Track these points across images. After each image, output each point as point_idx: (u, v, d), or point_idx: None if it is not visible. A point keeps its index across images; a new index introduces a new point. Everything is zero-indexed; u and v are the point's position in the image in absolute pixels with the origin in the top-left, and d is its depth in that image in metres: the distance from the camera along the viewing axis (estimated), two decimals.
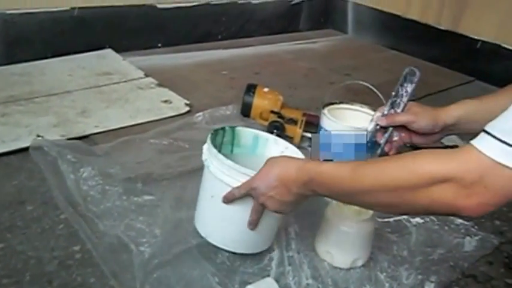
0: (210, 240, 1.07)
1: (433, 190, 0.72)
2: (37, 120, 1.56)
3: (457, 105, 1.12)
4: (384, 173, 0.79)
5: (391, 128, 1.11)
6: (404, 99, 1.10)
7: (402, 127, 1.12)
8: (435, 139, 1.15)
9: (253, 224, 1.01)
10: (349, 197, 0.86)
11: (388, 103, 1.12)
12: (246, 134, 1.16)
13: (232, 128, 1.14)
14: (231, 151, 1.15)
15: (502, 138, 0.67)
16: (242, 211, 1.00)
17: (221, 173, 0.99)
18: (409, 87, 1.09)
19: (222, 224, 1.05)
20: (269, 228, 1.07)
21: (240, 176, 0.97)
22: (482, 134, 0.70)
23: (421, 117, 1.09)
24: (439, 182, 0.71)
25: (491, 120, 0.71)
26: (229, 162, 0.98)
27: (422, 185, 0.73)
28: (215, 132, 1.10)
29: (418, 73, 1.08)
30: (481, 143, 0.69)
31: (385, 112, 1.12)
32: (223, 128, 1.13)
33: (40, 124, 1.54)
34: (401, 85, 1.09)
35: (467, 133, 1.14)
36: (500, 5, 2.38)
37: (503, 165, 0.66)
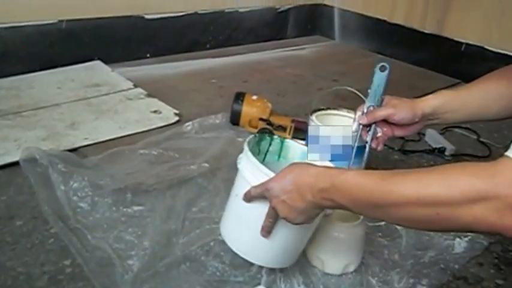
0: (225, 239, 1.04)
1: (474, 208, 0.67)
2: (25, 134, 1.56)
3: (434, 95, 1.14)
4: (421, 184, 0.73)
5: (373, 125, 1.12)
6: (379, 94, 1.11)
7: (383, 121, 1.13)
8: (416, 130, 1.17)
9: (265, 230, 0.95)
10: (377, 209, 0.79)
11: (367, 100, 1.13)
12: (295, 148, 1.13)
13: (282, 140, 1.13)
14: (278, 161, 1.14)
15: None
16: (258, 217, 0.96)
17: (246, 171, 0.97)
18: (383, 82, 1.11)
19: (238, 224, 1.02)
20: (284, 245, 1.02)
21: (262, 176, 0.93)
22: None
23: (400, 108, 1.10)
24: (482, 200, 0.66)
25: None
26: (254, 160, 0.96)
27: (463, 201, 0.68)
28: (261, 137, 1.10)
29: (388, 66, 1.09)
30: None
31: (365, 110, 1.12)
32: (271, 136, 1.12)
33: (29, 138, 1.53)
34: (376, 81, 1.11)
35: (445, 123, 1.17)
36: (482, 8, 2.41)
37: None
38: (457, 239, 1.26)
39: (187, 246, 1.11)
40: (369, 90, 1.12)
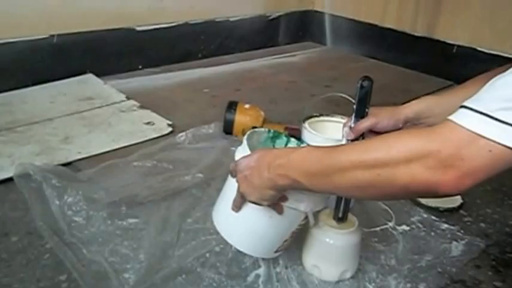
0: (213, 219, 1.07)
1: (412, 167, 0.71)
2: (19, 149, 1.56)
3: (417, 100, 1.14)
4: (363, 149, 0.79)
5: (360, 138, 1.12)
6: (363, 107, 1.12)
7: (370, 132, 1.13)
8: None
9: (235, 205, 0.99)
10: (325, 178, 0.82)
11: (352, 115, 1.13)
12: None
13: (298, 142, 1.14)
14: None
15: (478, 109, 0.67)
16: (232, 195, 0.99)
17: (237, 152, 1.01)
18: (366, 96, 1.11)
19: (219, 202, 1.05)
20: (271, 235, 1.04)
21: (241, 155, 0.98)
22: (459, 109, 0.70)
23: (382, 117, 1.11)
24: (418, 158, 0.70)
25: (450, 114, 0.71)
26: (245, 143, 0.99)
27: (401, 160, 0.72)
28: (277, 134, 1.12)
29: (369, 80, 1.10)
30: (458, 116, 0.70)
31: (352, 125, 1.13)
32: (287, 137, 1.14)
33: (22, 153, 1.53)
34: (359, 95, 1.11)
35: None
36: (472, 9, 2.43)
37: (480, 136, 0.66)
38: (454, 242, 1.26)
39: (183, 258, 1.11)
40: (354, 106, 1.12)
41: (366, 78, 1.08)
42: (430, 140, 0.71)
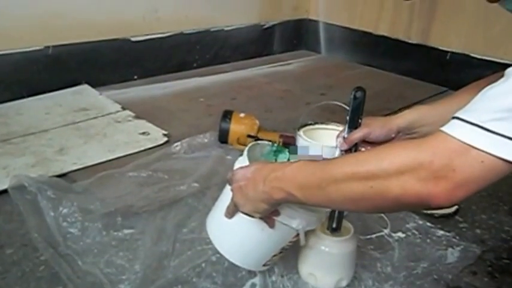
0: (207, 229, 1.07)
1: (403, 179, 0.70)
2: (14, 161, 1.55)
3: (410, 110, 1.14)
4: (356, 161, 0.79)
5: (353, 149, 1.12)
6: (357, 118, 1.12)
7: (364, 142, 1.13)
8: None
9: (228, 212, 0.99)
10: (319, 191, 0.81)
11: (346, 126, 1.14)
12: None
13: (291, 151, 1.14)
14: None
15: (470, 120, 0.67)
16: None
17: (236, 162, 1.01)
18: (359, 106, 1.11)
19: (218, 214, 1.04)
20: (261, 248, 1.03)
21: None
22: (451, 120, 0.70)
23: (374, 127, 1.11)
24: (410, 169, 0.70)
25: (443, 123, 0.71)
26: (245, 154, 0.99)
27: (393, 172, 0.71)
28: (280, 149, 1.12)
29: (362, 91, 1.10)
30: (450, 127, 0.69)
31: (345, 135, 1.13)
32: (290, 151, 1.13)
33: (17, 165, 1.53)
34: (352, 106, 1.11)
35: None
36: (465, 17, 2.45)
37: (472, 147, 0.66)
38: (450, 249, 1.26)
39: (179, 268, 1.11)
40: (347, 117, 1.12)
41: (359, 89, 1.08)
42: (422, 151, 0.70)
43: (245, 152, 1.01)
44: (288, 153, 1.12)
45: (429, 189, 0.69)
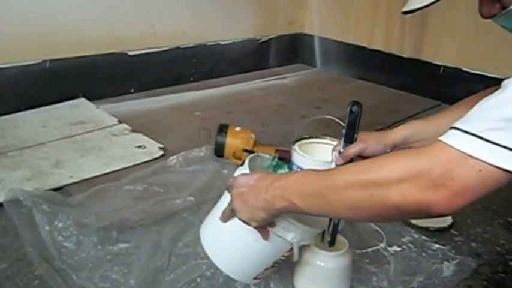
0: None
1: (403, 187, 0.72)
2: (10, 174, 1.55)
3: (404, 125, 1.16)
4: (357, 169, 0.80)
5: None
6: (353, 132, 1.12)
7: (359, 157, 1.14)
8: None
9: (223, 216, 0.99)
10: (320, 198, 0.82)
11: (341, 140, 1.14)
12: None
13: (290, 170, 1.14)
14: None
15: (467, 130, 0.69)
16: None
17: (237, 170, 1.02)
18: (355, 121, 1.11)
19: (213, 221, 1.04)
20: (253, 259, 1.02)
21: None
22: (449, 130, 0.72)
23: (370, 142, 1.12)
24: (410, 178, 0.71)
25: (439, 136, 0.73)
26: (246, 164, 1.00)
27: (393, 180, 0.73)
28: (280, 164, 1.13)
29: (358, 105, 1.10)
30: (448, 137, 0.71)
31: (341, 150, 1.13)
32: (290, 168, 1.15)
33: (13, 178, 1.53)
34: (348, 120, 1.11)
35: None
36: (457, 31, 2.47)
37: (470, 156, 0.67)
38: (445, 262, 1.26)
39: (174, 283, 1.11)
40: (343, 131, 1.12)
41: (355, 103, 1.09)
42: (421, 159, 0.72)
43: (246, 162, 1.01)
44: (287, 169, 1.13)
45: (429, 197, 0.70)
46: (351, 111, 1.09)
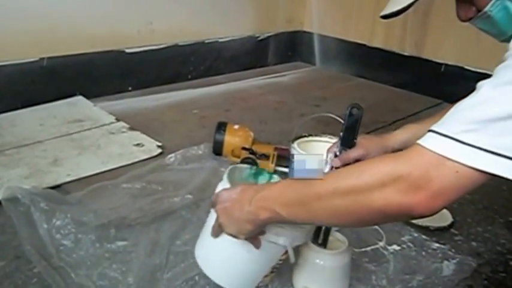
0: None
1: (384, 191, 0.73)
2: (8, 172, 1.54)
3: (402, 130, 1.17)
4: (339, 177, 0.82)
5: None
6: (352, 136, 1.11)
7: (357, 161, 1.13)
8: None
9: (213, 232, 0.98)
10: (303, 207, 0.83)
11: (338, 142, 1.13)
12: None
13: (271, 175, 1.14)
14: None
15: (444, 132, 0.71)
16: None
17: (218, 186, 1.01)
18: (355, 124, 1.10)
19: (204, 240, 1.04)
20: (250, 270, 1.03)
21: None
22: (427, 133, 0.74)
23: (371, 148, 1.12)
24: (390, 182, 0.73)
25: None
26: (225, 179, 1.00)
27: (374, 185, 0.74)
28: (259, 171, 1.12)
29: (359, 109, 1.09)
30: (425, 140, 0.73)
31: (337, 152, 1.12)
32: (270, 173, 1.13)
33: (11, 176, 1.52)
34: (347, 123, 1.10)
35: None
36: (458, 29, 2.44)
37: (446, 158, 0.69)
38: (445, 262, 1.26)
39: (172, 281, 1.10)
40: (340, 133, 1.11)
41: (356, 106, 1.07)
42: (400, 163, 0.74)
43: (225, 176, 1.01)
44: (267, 174, 1.12)
45: (410, 200, 0.72)
46: (350, 114, 1.08)
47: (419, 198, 0.71)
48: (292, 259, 1.00)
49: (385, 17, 0.88)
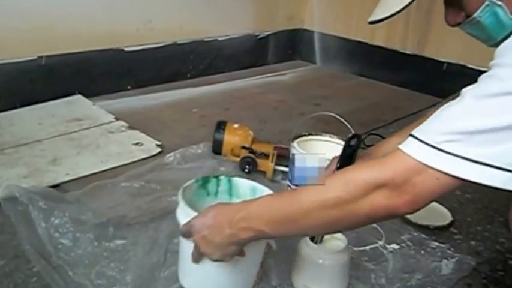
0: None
1: (371, 197, 0.77)
2: (7, 172, 1.54)
3: (384, 142, 1.20)
4: (322, 190, 0.82)
5: None
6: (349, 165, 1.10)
7: None
8: None
9: (194, 260, 0.98)
10: (291, 224, 0.84)
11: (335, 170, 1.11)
12: (244, 184, 1.14)
13: (229, 178, 1.14)
14: (230, 201, 1.13)
15: (426, 141, 0.73)
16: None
17: (179, 214, 1.01)
18: (353, 154, 1.09)
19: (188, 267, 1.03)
20: (242, 279, 1.04)
21: (189, 217, 0.96)
22: (409, 138, 0.77)
23: None
24: (375, 188, 0.76)
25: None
26: (182, 203, 0.99)
27: (360, 194, 0.77)
28: (206, 179, 1.11)
29: (357, 139, 1.07)
30: (407, 146, 0.76)
31: None
32: (216, 177, 1.13)
33: (10, 176, 1.51)
34: (346, 153, 1.08)
35: None
36: None
37: (428, 166, 0.73)
38: (444, 260, 1.26)
39: (170, 280, 1.09)
40: (337, 164, 1.09)
41: (354, 136, 1.06)
42: (383, 170, 0.77)
43: (181, 202, 1.00)
44: (214, 179, 1.13)
45: (394, 203, 0.76)
46: (349, 145, 1.06)
47: (404, 200, 0.75)
48: (274, 246, 1.02)
49: (373, 22, 0.88)
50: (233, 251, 0.92)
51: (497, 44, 0.82)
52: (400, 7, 0.83)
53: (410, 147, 0.75)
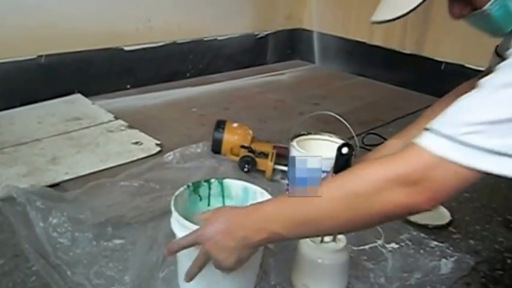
0: None
1: (387, 194, 0.75)
2: (6, 171, 1.54)
3: (383, 146, 1.18)
4: (338, 185, 0.81)
5: None
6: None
7: None
8: None
9: (189, 276, 0.95)
10: (308, 225, 0.83)
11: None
12: (235, 185, 1.14)
13: (220, 181, 1.14)
14: (223, 203, 1.14)
15: (444, 132, 0.71)
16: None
17: (174, 225, 1.00)
18: (346, 163, 1.09)
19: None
20: (245, 281, 1.04)
21: (188, 230, 0.94)
22: (424, 132, 0.74)
23: None
24: (393, 185, 0.74)
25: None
26: (175, 214, 0.98)
27: (377, 190, 0.75)
28: (197, 184, 1.11)
29: (349, 148, 1.07)
30: (423, 140, 0.74)
31: None
32: (207, 181, 1.13)
33: (9, 175, 1.52)
34: (338, 162, 1.08)
35: None
36: (459, 27, 2.43)
37: (445, 159, 0.70)
38: (443, 260, 1.26)
39: (169, 279, 1.09)
40: (331, 173, 1.09)
41: (346, 145, 1.05)
42: (400, 165, 0.75)
43: (174, 212, 1.00)
44: (205, 183, 1.13)
45: (414, 199, 0.74)
46: (341, 154, 1.05)
47: (422, 197, 0.73)
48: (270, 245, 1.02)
49: (380, 22, 0.87)
50: (247, 255, 0.90)
51: (504, 35, 0.82)
52: (411, 7, 0.81)
53: (426, 140, 0.73)
